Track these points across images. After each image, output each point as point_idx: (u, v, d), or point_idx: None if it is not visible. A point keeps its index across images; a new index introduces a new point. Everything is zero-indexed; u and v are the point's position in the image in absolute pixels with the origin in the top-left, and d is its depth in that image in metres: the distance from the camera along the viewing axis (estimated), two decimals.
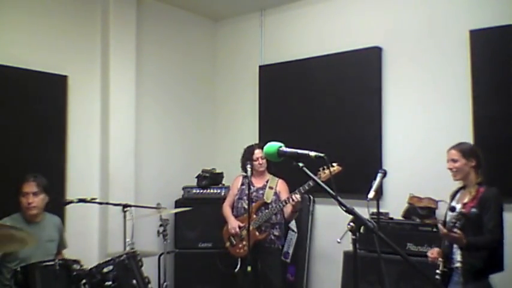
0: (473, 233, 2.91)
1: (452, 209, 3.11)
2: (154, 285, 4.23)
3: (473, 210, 2.95)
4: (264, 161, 4.22)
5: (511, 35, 3.75)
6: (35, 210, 3.39)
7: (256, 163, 4.22)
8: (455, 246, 3.04)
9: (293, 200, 3.89)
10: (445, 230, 2.88)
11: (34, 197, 3.35)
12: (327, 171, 3.66)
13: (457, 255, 3.04)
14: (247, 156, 4.29)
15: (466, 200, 3.02)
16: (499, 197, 3.01)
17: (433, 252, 3.18)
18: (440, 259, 3.10)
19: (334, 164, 3.76)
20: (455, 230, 2.82)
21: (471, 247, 2.93)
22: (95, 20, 4.67)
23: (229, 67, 5.72)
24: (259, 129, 5.27)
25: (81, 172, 4.50)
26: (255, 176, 4.28)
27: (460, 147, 3.14)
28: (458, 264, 3.03)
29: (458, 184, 3.25)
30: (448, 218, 3.14)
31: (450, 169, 3.15)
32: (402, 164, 4.28)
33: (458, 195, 3.22)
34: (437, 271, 3.06)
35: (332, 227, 4.31)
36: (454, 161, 3.12)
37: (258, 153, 4.24)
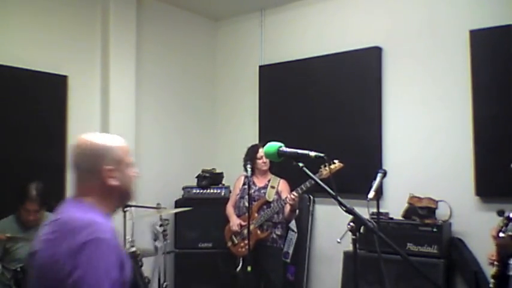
0: None
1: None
2: (155, 285, 4.24)
3: None
4: (268, 160, 4.22)
5: (511, 35, 3.75)
6: (33, 223, 3.42)
7: (260, 161, 4.22)
8: None
9: (290, 198, 3.90)
10: None
11: (36, 214, 3.41)
12: (328, 169, 3.65)
13: None
14: (251, 155, 4.28)
15: None
16: None
17: (493, 255, 3.00)
18: (496, 262, 2.92)
19: (335, 161, 3.76)
20: None
21: None
22: (95, 20, 4.67)
23: (229, 67, 5.72)
24: (259, 129, 5.26)
25: None
26: (258, 175, 4.29)
27: None
28: None
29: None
30: None
31: None
32: (402, 164, 4.28)
33: None
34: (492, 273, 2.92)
35: (332, 227, 4.32)
36: None
37: (262, 151, 4.24)
